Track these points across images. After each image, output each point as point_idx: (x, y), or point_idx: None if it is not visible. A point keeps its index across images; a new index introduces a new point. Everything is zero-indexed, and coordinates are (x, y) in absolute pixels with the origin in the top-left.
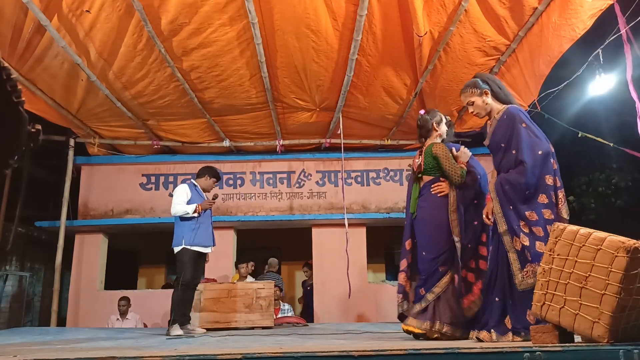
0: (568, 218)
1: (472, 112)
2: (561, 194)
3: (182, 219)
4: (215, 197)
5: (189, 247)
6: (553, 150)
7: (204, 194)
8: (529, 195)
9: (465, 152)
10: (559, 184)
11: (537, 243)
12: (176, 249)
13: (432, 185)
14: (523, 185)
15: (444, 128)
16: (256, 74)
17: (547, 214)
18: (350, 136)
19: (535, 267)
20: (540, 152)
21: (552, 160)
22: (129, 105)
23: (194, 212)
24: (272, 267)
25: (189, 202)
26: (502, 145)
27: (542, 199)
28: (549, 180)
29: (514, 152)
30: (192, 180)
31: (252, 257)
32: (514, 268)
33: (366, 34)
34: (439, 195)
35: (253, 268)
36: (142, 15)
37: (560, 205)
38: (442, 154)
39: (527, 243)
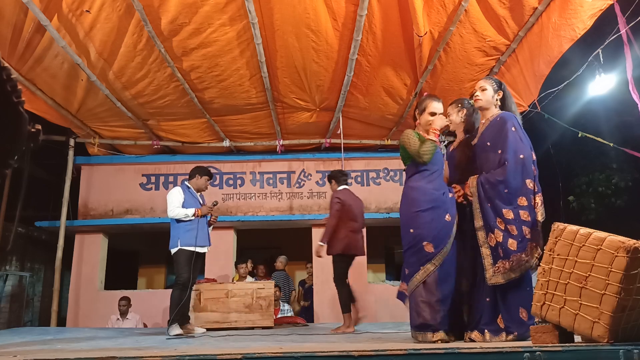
0: (542, 221)
1: (476, 97)
2: (538, 198)
3: (178, 220)
4: (215, 203)
5: (185, 247)
6: (535, 158)
7: (198, 194)
8: (508, 194)
9: (439, 118)
10: (537, 189)
11: (510, 240)
12: (173, 250)
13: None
14: (502, 183)
15: (424, 118)
16: (256, 74)
17: (524, 215)
18: (350, 136)
19: (505, 263)
20: (522, 156)
21: (532, 166)
22: (129, 105)
23: (193, 215)
24: (282, 265)
25: (183, 205)
26: (488, 144)
27: (522, 201)
28: (530, 184)
29: (499, 152)
30: (185, 182)
31: (252, 257)
32: (486, 263)
33: (366, 34)
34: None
35: (264, 271)
36: (142, 15)
37: (536, 209)
38: (404, 140)
39: (500, 240)
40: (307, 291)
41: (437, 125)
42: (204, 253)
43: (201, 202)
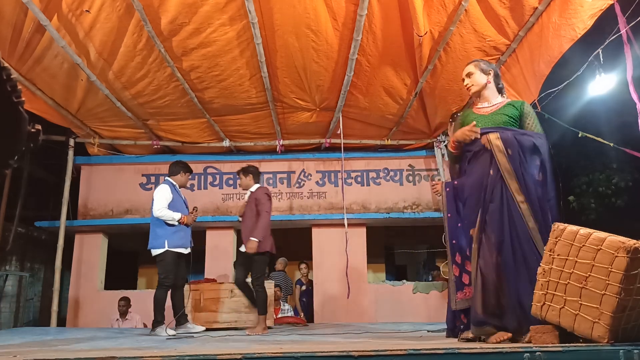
0: None
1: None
2: None
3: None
4: (195, 209)
5: (173, 249)
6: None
7: (180, 189)
8: None
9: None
10: None
11: None
12: (157, 251)
13: None
14: None
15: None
16: (256, 74)
17: None
18: (350, 136)
19: None
20: None
21: None
22: (128, 105)
23: (178, 221)
24: (282, 266)
25: (171, 204)
26: None
27: None
28: None
29: None
30: (168, 179)
31: None
32: None
33: (366, 34)
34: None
35: (267, 271)
36: (142, 15)
37: None
38: None
39: None
40: (306, 292)
41: (456, 137)
42: (189, 254)
43: (184, 199)
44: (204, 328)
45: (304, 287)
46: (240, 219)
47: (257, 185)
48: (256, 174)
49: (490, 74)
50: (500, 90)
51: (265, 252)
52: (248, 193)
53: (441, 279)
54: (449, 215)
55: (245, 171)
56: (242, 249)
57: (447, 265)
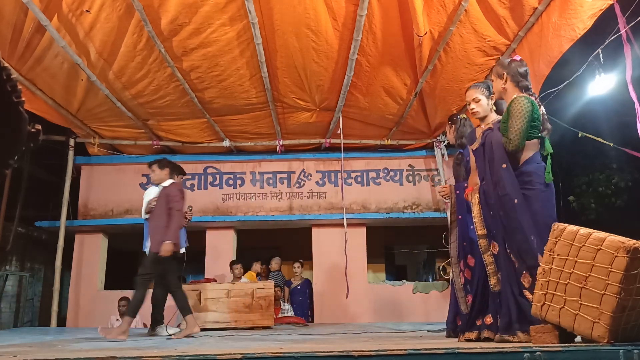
0: None
1: (473, 110)
2: None
3: None
4: (190, 208)
5: None
6: None
7: None
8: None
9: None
10: None
11: None
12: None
13: None
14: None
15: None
16: (256, 74)
17: None
18: (350, 136)
19: None
20: None
21: None
22: (129, 105)
23: None
24: (277, 265)
25: None
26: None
27: None
28: None
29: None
30: None
31: (252, 257)
32: (489, 270)
33: (366, 34)
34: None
35: (266, 271)
36: (142, 15)
37: None
38: None
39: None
40: (296, 290)
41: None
42: (184, 253)
43: None
44: (178, 330)
45: (292, 286)
46: (146, 216)
47: (170, 181)
48: (174, 169)
49: (503, 76)
50: (522, 89)
51: (173, 252)
52: (160, 188)
53: (442, 279)
54: (459, 217)
55: (161, 163)
56: (147, 248)
57: (449, 265)
